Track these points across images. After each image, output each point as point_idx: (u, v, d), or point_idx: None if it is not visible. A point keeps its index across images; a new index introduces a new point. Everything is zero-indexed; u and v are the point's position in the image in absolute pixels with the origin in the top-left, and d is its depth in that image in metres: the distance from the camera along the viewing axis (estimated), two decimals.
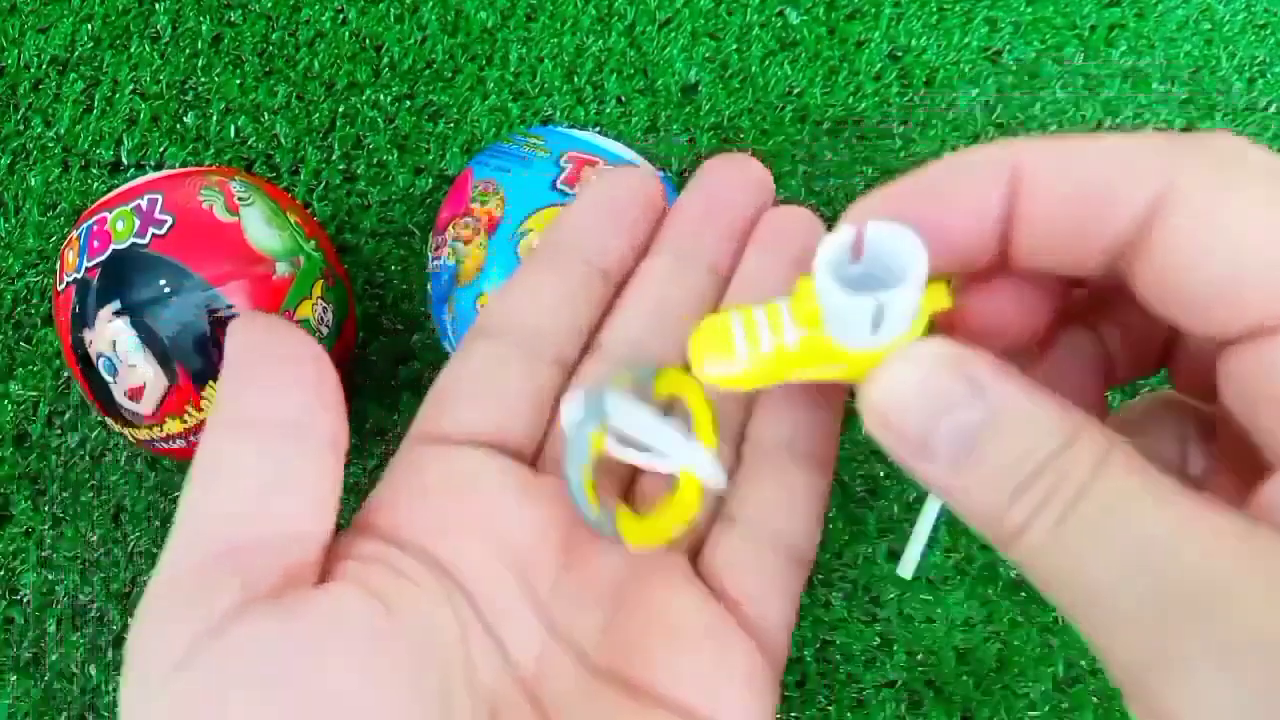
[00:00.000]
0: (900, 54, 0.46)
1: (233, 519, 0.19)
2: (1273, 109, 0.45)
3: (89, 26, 0.47)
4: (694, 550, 0.23)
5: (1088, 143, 0.16)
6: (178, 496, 0.41)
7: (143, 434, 0.36)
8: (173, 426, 0.35)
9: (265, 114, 0.46)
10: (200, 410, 0.35)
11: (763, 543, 0.22)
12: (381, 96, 0.46)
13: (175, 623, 0.18)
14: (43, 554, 0.41)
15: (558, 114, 0.46)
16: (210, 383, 0.34)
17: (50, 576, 0.41)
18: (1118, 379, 0.20)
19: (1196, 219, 0.15)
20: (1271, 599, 0.13)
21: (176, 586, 0.18)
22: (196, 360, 0.34)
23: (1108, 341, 0.20)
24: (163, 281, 0.34)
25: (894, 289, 0.16)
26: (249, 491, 0.19)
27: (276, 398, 0.20)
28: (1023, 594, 0.39)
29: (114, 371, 0.34)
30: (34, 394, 0.43)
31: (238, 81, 0.46)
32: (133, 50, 0.47)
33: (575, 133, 0.38)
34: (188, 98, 0.46)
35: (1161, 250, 0.15)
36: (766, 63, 0.46)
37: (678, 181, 0.45)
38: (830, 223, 0.44)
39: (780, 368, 0.19)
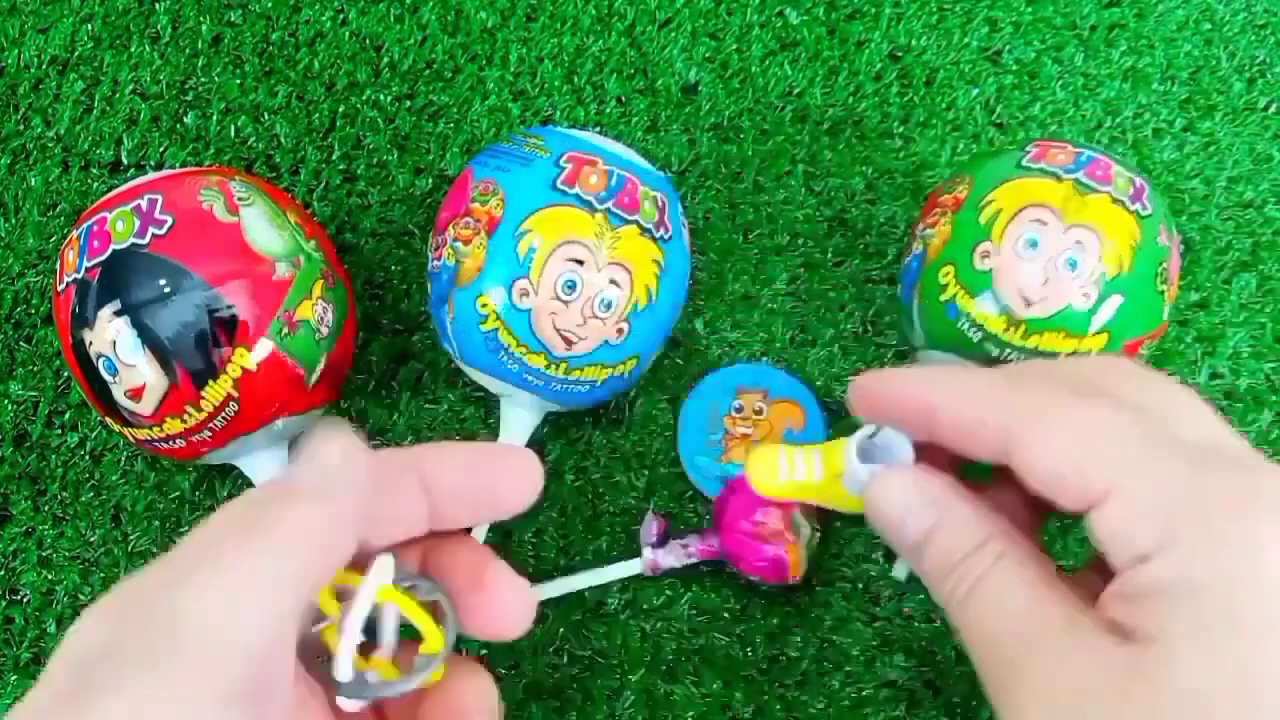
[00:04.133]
0: (900, 54, 0.46)
1: None
2: (1273, 109, 0.45)
3: (89, 26, 0.47)
4: None
5: (961, 388, 0.25)
6: (178, 496, 0.41)
7: (143, 434, 0.36)
8: (173, 426, 0.35)
9: (265, 114, 0.46)
10: (200, 410, 0.35)
11: None
12: (381, 96, 0.46)
13: None
14: (43, 554, 0.41)
15: (558, 114, 0.46)
16: (210, 382, 0.34)
17: (50, 576, 0.41)
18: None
19: (1030, 447, 0.23)
20: (1062, 666, 0.22)
21: None
22: (196, 360, 0.34)
23: None
24: (163, 281, 0.34)
25: (891, 465, 0.27)
26: None
27: None
28: None
29: (114, 371, 0.34)
30: (34, 394, 0.43)
31: (238, 81, 0.46)
32: (133, 50, 0.47)
33: (575, 133, 0.38)
34: (188, 98, 0.46)
35: (1014, 462, 0.24)
36: (766, 63, 0.46)
37: (677, 181, 0.45)
38: (830, 222, 0.44)
39: (804, 490, 0.28)
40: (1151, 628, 0.21)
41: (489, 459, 0.24)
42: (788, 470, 0.28)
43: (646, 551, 0.38)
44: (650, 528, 0.39)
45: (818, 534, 0.38)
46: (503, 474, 0.23)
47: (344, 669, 0.21)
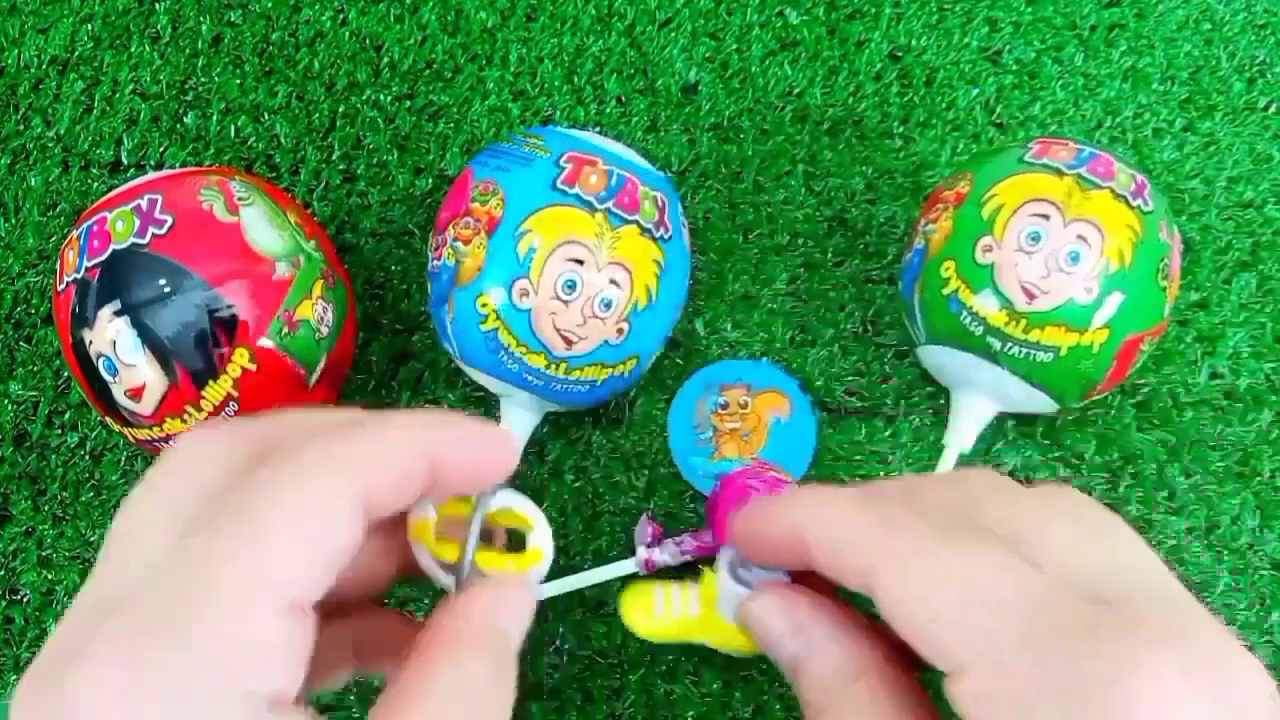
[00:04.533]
0: (900, 54, 0.46)
1: None
2: (1273, 109, 0.45)
3: (89, 26, 0.47)
4: None
5: (826, 517, 0.23)
6: None
7: (143, 434, 0.36)
8: (173, 426, 0.35)
9: (265, 114, 0.46)
10: (200, 410, 0.35)
11: None
12: (381, 96, 0.46)
13: None
14: (43, 554, 0.41)
15: (558, 114, 0.46)
16: (210, 382, 0.34)
17: (50, 576, 0.41)
18: None
19: (889, 594, 0.21)
20: None
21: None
22: (196, 360, 0.34)
23: None
24: (163, 281, 0.34)
25: (763, 585, 0.26)
26: None
27: None
28: None
29: (114, 371, 0.34)
30: (34, 394, 0.43)
31: (238, 81, 0.46)
32: (133, 50, 0.47)
33: (575, 133, 0.38)
34: (188, 98, 0.46)
35: (877, 606, 0.21)
36: (766, 63, 0.46)
37: (677, 180, 0.45)
38: (830, 222, 0.44)
39: (685, 630, 0.29)
40: None
41: (480, 440, 0.24)
42: (664, 607, 0.29)
43: (640, 550, 0.38)
44: (645, 530, 0.39)
45: None
46: (490, 453, 0.24)
47: (466, 568, 0.25)
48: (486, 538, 0.25)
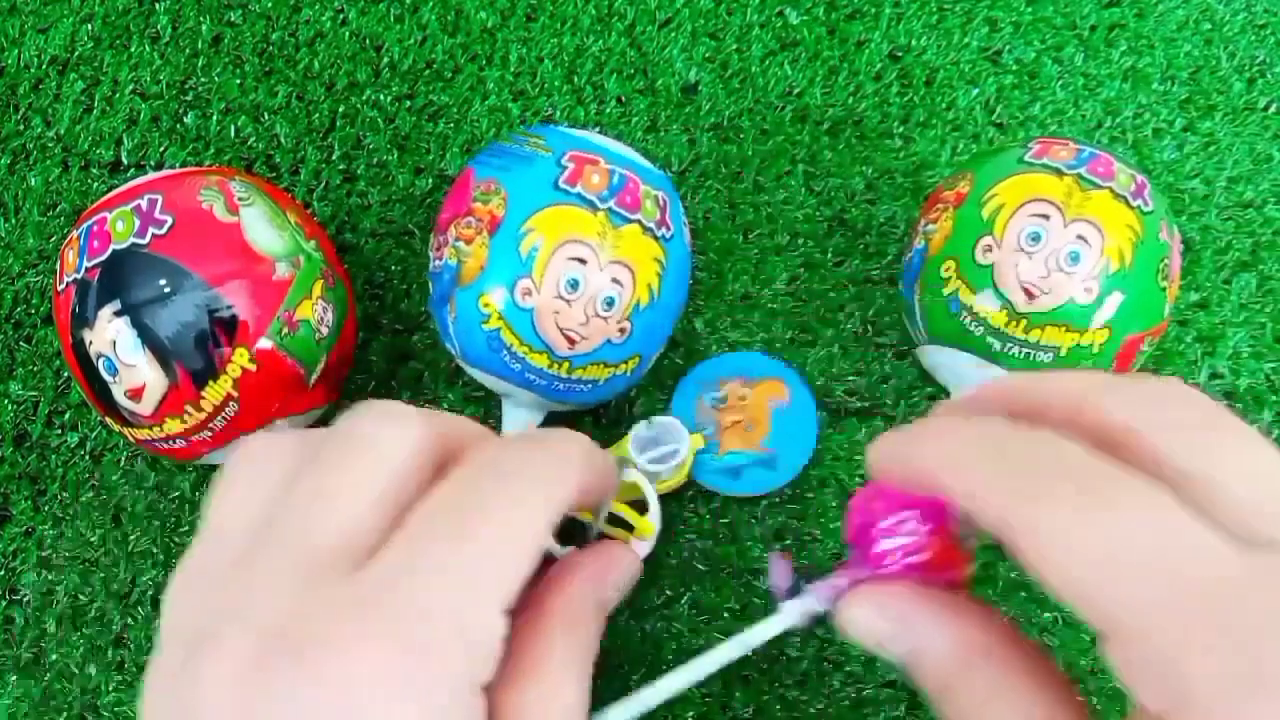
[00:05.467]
0: (900, 54, 0.46)
1: None
2: (1273, 109, 0.45)
3: (89, 26, 0.47)
4: None
5: (966, 474, 0.21)
6: (178, 496, 0.41)
7: (143, 434, 0.36)
8: (173, 426, 0.35)
9: (265, 114, 0.46)
10: (200, 410, 0.35)
11: None
12: (381, 96, 0.46)
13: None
14: (43, 554, 0.41)
15: (558, 114, 0.46)
16: (210, 382, 0.34)
17: (50, 576, 0.41)
18: None
19: (1035, 551, 0.19)
20: None
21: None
22: (196, 360, 0.34)
23: None
24: (163, 281, 0.34)
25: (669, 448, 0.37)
26: None
27: None
28: (1022, 594, 0.39)
29: (114, 371, 0.34)
30: (34, 394, 0.43)
31: (238, 81, 0.46)
32: (133, 50, 0.47)
33: (576, 132, 0.38)
34: (188, 98, 0.46)
35: (1019, 557, 0.20)
36: (766, 63, 0.46)
37: (677, 180, 0.45)
38: (830, 221, 0.43)
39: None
40: None
41: (609, 467, 0.27)
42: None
43: (792, 604, 0.28)
44: (778, 571, 0.28)
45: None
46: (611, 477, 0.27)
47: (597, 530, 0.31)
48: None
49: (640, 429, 0.38)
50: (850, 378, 0.42)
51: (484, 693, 0.21)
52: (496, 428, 0.40)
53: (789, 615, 0.28)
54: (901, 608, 0.23)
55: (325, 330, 0.37)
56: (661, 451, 0.38)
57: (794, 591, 0.28)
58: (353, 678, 0.18)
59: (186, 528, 0.41)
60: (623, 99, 0.46)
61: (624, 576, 0.29)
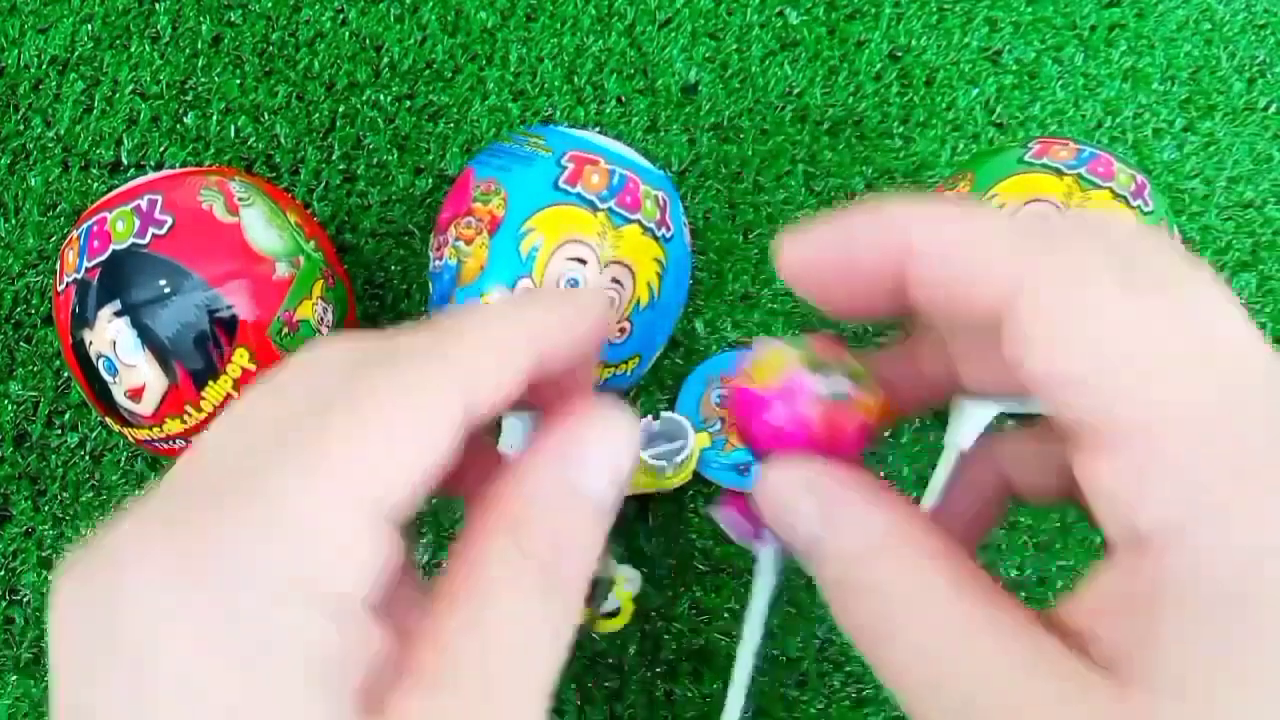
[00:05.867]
0: (900, 54, 0.46)
1: None
2: (1273, 109, 0.45)
3: (89, 26, 0.47)
4: None
5: (961, 230, 0.18)
6: None
7: (143, 434, 0.36)
8: (173, 426, 0.35)
9: (265, 114, 0.46)
10: (200, 410, 0.35)
11: None
12: (381, 96, 0.46)
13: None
14: (43, 554, 0.41)
15: (558, 114, 0.46)
16: (210, 382, 0.34)
17: (50, 577, 0.41)
18: (1023, 500, 0.24)
19: (1034, 320, 0.17)
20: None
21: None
22: (196, 360, 0.34)
23: (1013, 470, 0.24)
24: (163, 281, 0.34)
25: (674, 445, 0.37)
26: None
27: None
28: (1022, 594, 0.39)
29: (114, 371, 0.34)
30: (34, 394, 0.43)
31: (238, 81, 0.46)
32: (133, 50, 0.47)
33: (576, 132, 0.38)
34: (188, 98, 0.46)
35: (1012, 342, 0.17)
36: (766, 63, 0.46)
37: (677, 180, 0.45)
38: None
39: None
40: (1141, 662, 0.15)
41: (579, 318, 0.21)
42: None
43: (765, 551, 0.25)
44: (732, 522, 0.25)
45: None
46: (587, 328, 0.21)
47: None
48: None
49: (646, 424, 0.38)
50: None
51: (375, 613, 0.17)
52: (496, 428, 0.40)
53: (766, 563, 0.25)
54: (831, 491, 0.20)
55: (325, 330, 0.37)
56: (667, 448, 0.38)
57: (758, 530, 0.24)
58: (138, 577, 0.15)
59: None
60: (623, 99, 0.46)
61: (616, 449, 0.20)
